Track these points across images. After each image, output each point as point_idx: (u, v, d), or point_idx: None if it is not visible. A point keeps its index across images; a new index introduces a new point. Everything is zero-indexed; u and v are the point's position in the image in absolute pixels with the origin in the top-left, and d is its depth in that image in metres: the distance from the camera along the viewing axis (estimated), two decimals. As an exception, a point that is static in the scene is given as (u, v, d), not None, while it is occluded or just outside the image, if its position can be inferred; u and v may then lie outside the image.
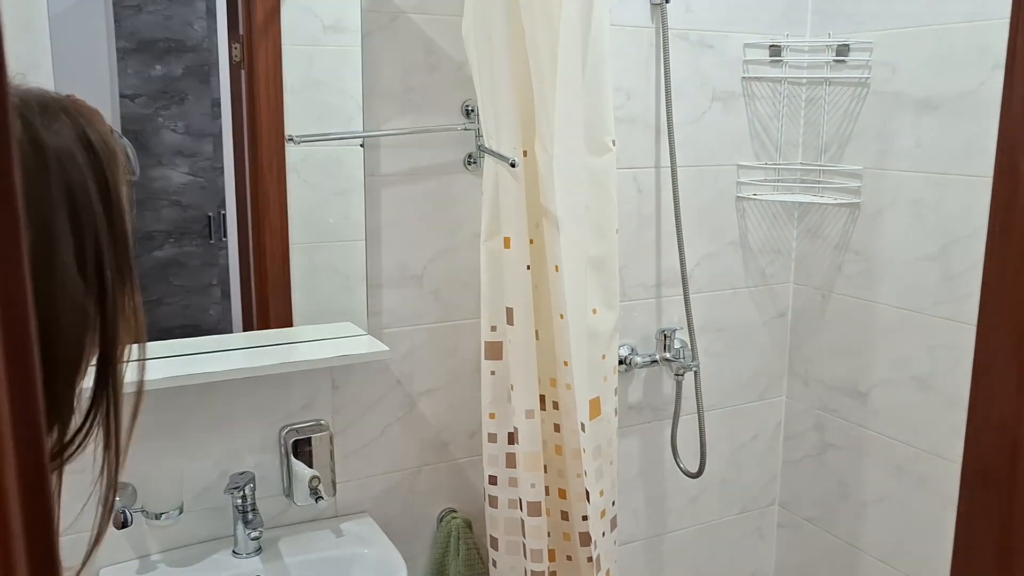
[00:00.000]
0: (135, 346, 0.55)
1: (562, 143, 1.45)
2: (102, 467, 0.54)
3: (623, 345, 1.93)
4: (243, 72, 1.56)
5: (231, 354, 1.56)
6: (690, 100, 1.92)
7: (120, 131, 1.45)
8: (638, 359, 1.93)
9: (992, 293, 0.64)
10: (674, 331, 1.96)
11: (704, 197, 1.98)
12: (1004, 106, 0.63)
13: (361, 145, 1.62)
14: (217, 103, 1.53)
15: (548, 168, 1.46)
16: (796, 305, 2.13)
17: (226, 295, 1.60)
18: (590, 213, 1.54)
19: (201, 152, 1.53)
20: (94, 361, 0.52)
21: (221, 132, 1.54)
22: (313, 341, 1.64)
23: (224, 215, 1.57)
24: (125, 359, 0.55)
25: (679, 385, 1.98)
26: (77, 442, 0.52)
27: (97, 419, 0.53)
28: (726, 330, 2.07)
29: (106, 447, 0.55)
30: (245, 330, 1.61)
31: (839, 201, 1.96)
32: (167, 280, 1.56)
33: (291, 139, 1.54)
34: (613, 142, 1.56)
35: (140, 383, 0.57)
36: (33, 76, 0.52)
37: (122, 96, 1.45)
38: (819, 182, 2.01)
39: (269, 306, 1.64)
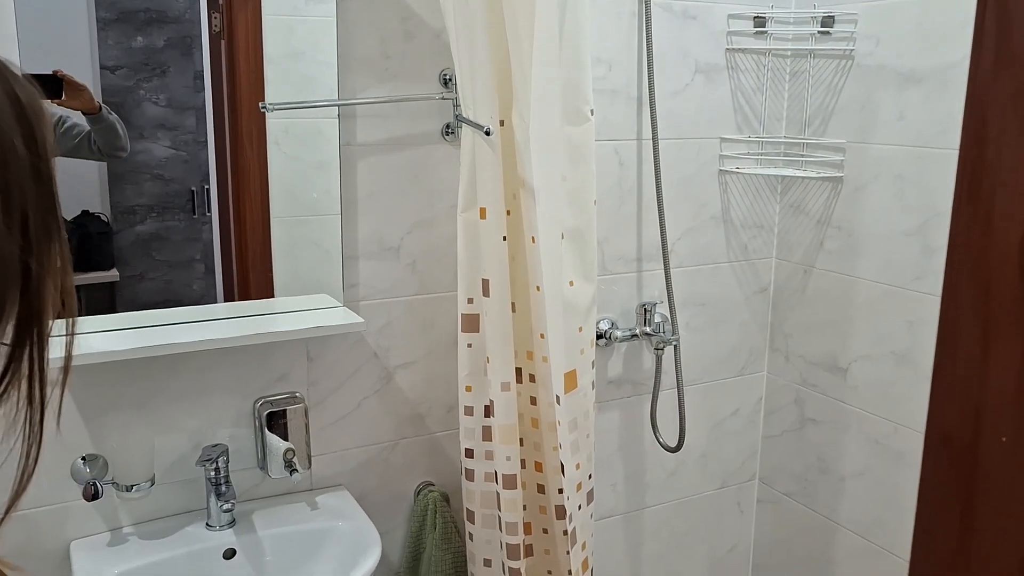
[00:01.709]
0: (62, 300, 0.54)
1: (539, 112, 1.43)
2: (24, 422, 0.54)
3: (603, 319, 1.92)
4: (223, 43, 1.53)
5: (203, 325, 1.54)
6: (673, 72, 1.90)
7: (104, 103, 1.43)
8: (618, 333, 1.92)
9: (958, 258, 0.63)
10: (654, 305, 1.94)
11: (686, 170, 1.96)
12: (971, 74, 0.62)
13: (338, 116, 1.59)
14: (200, 76, 1.51)
15: (525, 137, 1.44)
16: (778, 280, 2.12)
17: (210, 270, 1.59)
18: (567, 184, 1.52)
19: (184, 126, 1.51)
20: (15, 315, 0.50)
21: (204, 105, 1.51)
22: (288, 313, 1.62)
23: (208, 189, 1.55)
24: (51, 312, 0.53)
25: (659, 359, 1.97)
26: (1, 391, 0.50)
27: (20, 372, 0.52)
28: (707, 305, 2.06)
29: (29, 401, 0.54)
30: (227, 302, 1.60)
31: (822, 175, 1.95)
32: (149, 255, 1.54)
33: (264, 107, 1.51)
34: (592, 111, 1.53)
35: (70, 339, 0.56)
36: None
37: (103, 68, 1.43)
38: (802, 156, 1.99)
39: (250, 280, 1.62)
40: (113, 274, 1.51)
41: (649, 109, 1.84)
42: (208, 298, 1.59)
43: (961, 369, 0.62)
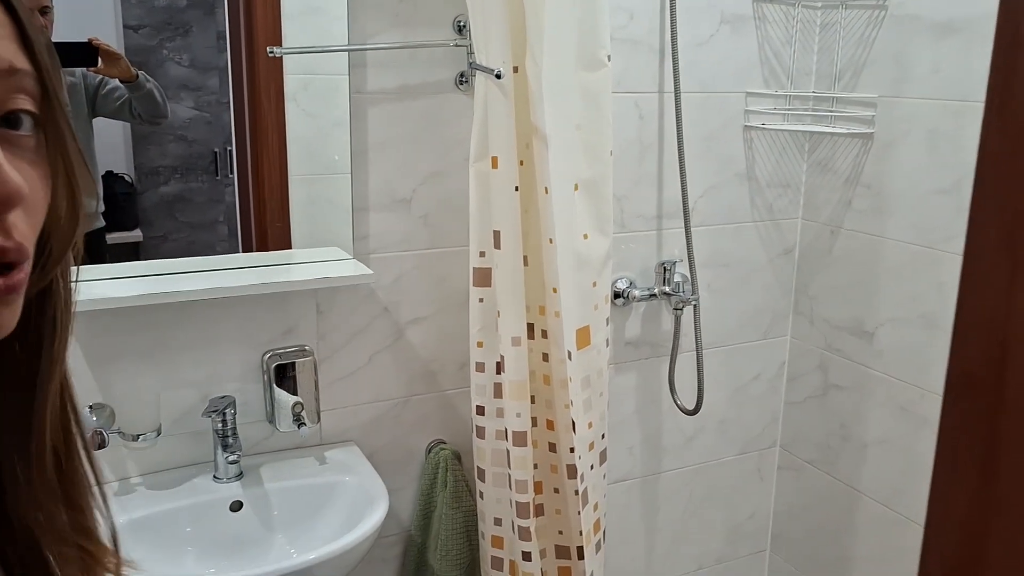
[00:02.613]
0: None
1: (553, 57, 1.38)
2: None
3: (621, 278, 1.87)
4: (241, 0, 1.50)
5: (212, 274, 1.52)
6: (697, 22, 1.82)
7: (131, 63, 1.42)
8: (636, 292, 1.87)
9: (986, 181, 0.58)
10: (674, 264, 1.89)
11: (710, 125, 1.90)
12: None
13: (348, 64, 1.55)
14: (222, 36, 1.49)
15: (538, 83, 1.38)
16: (803, 241, 2.05)
17: (232, 232, 1.58)
18: (582, 132, 1.47)
19: (207, 86, 1.50)
20: None
21: (227, 67, 1.49)
22: (295, 264, 1.59)
23: (231, 151, 1.54)
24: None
25: (678, 320, 1.92)
26: None
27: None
28: (730, 266, 2.01)
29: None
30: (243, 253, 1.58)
31: (852, 131, 1.87)
32: (173, 216, 1.53)
33: (272, 52, 1.48)
34: (608, 57, 1.48)
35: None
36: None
37: (126, 27, 1.42)
38: (831, 111, 1.92)
39: (268, 237, 1.60)
40: (137, 234, 1.51)
41: (672, 61, 1.78)
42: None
43: (987, 300, 0.56)
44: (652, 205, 1.88)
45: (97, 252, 1.48)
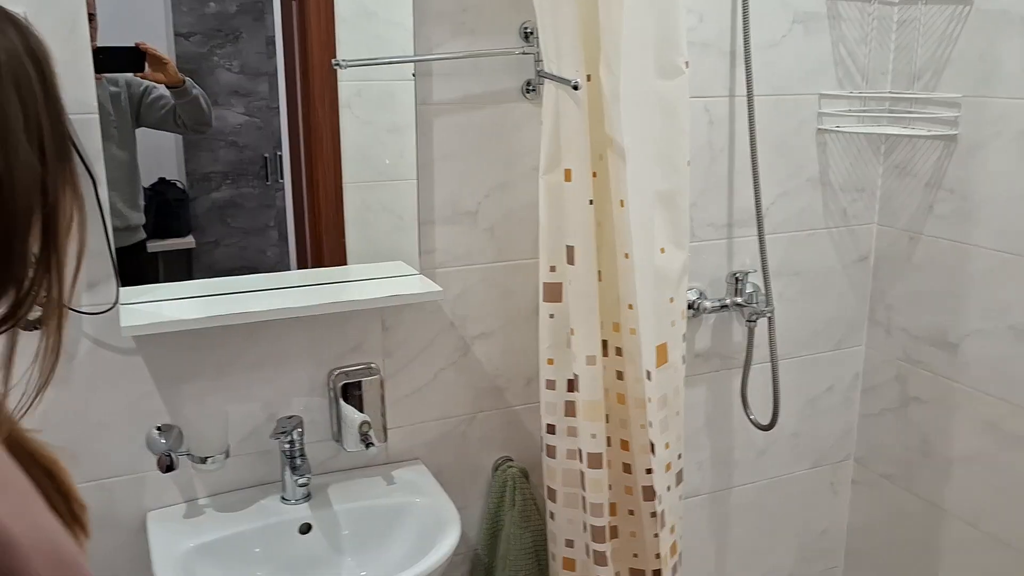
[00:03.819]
0: (76, 214, 0.63)
1: (629, 65, 1.32)
2: (47, 319, 0.61)
3: (691, 289, 1.81)
4: (294, 4, 1.48)
5: (278, 293, 1.49)
6: (769, 22, 1.76)
7: (180, 70, 1.41)
8: (707, 304, 1.81)
9: None
10: (747, 274, 1.82)
11: (782, 129, 1.83)
12: None
13: (413, 75, 1.51)
14: (272, 41, 1.48)
15: (614, 93, 1.33)
16: (879, 248, 1.97)
17: (283, 237, 1.56)
18: (659, 143, 1.41)
19: (256, 92, 1.49)
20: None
21: (276, 71, 1.48)
22: (363, 281, 1.56)
23: (280, 156, 1.53)
24: (68, 223, 0.61)
25: (751, 332, 1.85)
26: (34, 290, 0.59)
27: (43, 272, 0.60)
28: (802, 274, 1.93)
29: (48, 299, 0.61)
30: (300, 268, 1.57)
31: (933, 133, 1.79)
32: (224, 221, 1.52)
33: (338, 64, 1.44)
34: (686, 64, 1.42)
35: (80, 249, 0.64)
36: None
37: (177, 35, 1.42)
38: (910, 112, 1.83)
39: (323, 246, 1.58)
40: (189, 241, 1.50)
41: (744, 63, 1.71)
42: (282, 265, 1.56)
43: None
44: (722, 213, 1.81)
45: (137, 262, 1.47)
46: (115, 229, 1.40)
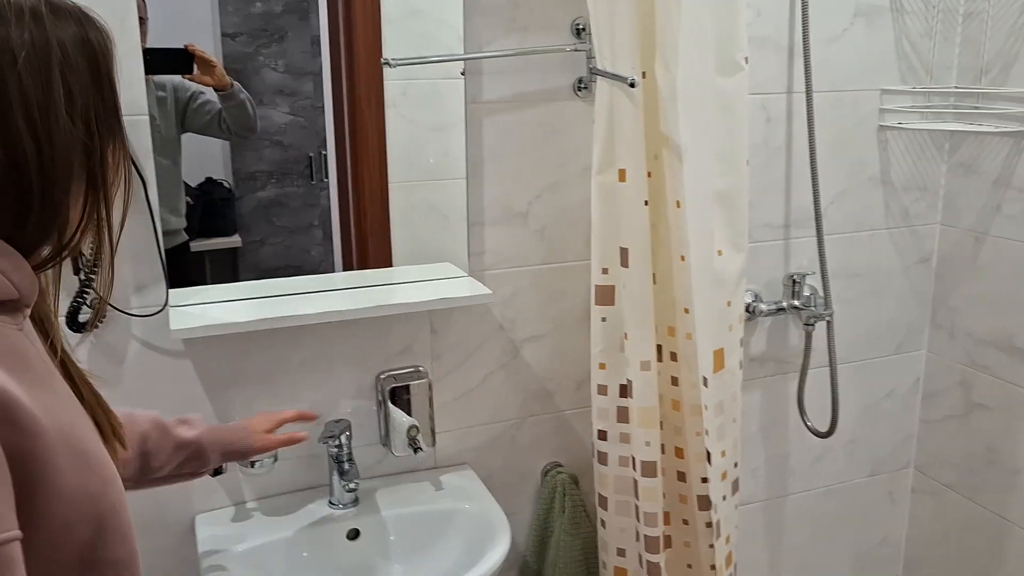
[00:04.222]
0: (123, 179, 0.76)
1: (687, 61, 1.28)
2: (97, 266, 0.75)
3: (746, 291, 1.75)
4: (340, 3, 1.46)
5: (325, 295, 1.47)
6: (829, 16, 1.70)
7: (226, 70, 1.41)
8: (762, 307, 1.75)
9: None
10: (804, 276, 1.77)
11: (841, 127, 1.77)
12: None
13: (462, 73, 1.49)
14: (317, 40, 1.48)
15: (670, 90, 1.29)
16: (943, 249, 1.90)
17: (327, 236, 1.56)
18: (717, 141, 1.36)
19: (301, 91, 1.48)
20: (86, 184, 0.70)
21: (321, 70, 1.48)
22: (411, 283, 1.54)
23: (325, 155, 1.52)
24: (113, 184, 0.73)
25: (809, 336, 1.79)
26: (76, 237, 0.70)
27: (88, 226, 0.71)
28: (861, 276, 1.87)
29: (98, 251, 0.74)
30: (345, 270, 1.56)
31: (1001, 130, 1.71)
32: (270, 221, 1.52)
33: (387, 62, 1.42)
34: (745, 59, 1.37)
35: (125, 205, 0.77)
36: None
37: (224, 35, 1.42)
38: (977, 108, 1.76)
39: (368, 246, 1.56)
40: (236, 240, 1.50)
41: (802, 59, 1.66)
42: (326, 264, 1.56)
43: None
44: (779, 213, 1.76)
45: (180, 264, 1.46)
46: None
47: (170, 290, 1.38)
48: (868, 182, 1.82)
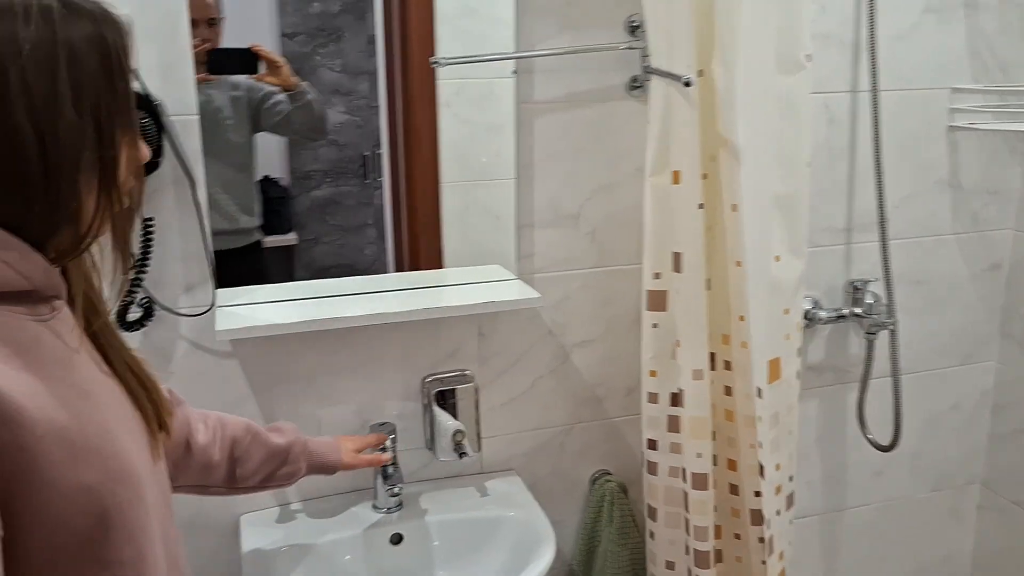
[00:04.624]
0: (136, 168, 0.76)
1: (747, 59, 1.23)
2: (114, 254, 0.75)
3: (805, 297, 1.69)
4: (395, 3, 1.45)
5: (374, 297, 1.46)
6: (897, 11, 1.62)
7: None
8: (822, 314, 1.69)
9: None
10: (866, 283, 1.70)
11: (908, 127, 1.69)
12: None
13: (514, 72, 1.46)
14: (373, 40, 1.48)
15: (728, 89, 1.24)
16: (1015, 255, 1.81)
17: (381, 235, 1.56)
18: (777, 142, 1.31)
19: (357, 91, 1.49)
20: (98, 175, 0.71)
21: (376, 70, 1.48)
22: (460, 285, 1.51)
23: (379, 154, 1.52)
24: (123, 174, 0.73)
25: (870, 345, 1.72)
26: (92, 230, 0.71)
27: (102, 218, 0.71)
28: (926, 283, 1.79)
29: (115, 244, 0.74)
30: (397, 271, 1.56)
31: (1081, 131, 1.62)
32: (324, 220, 1.53)
33: (435, 62, 1.40)
34: (808, 57, 1.31)
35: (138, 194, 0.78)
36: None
37: (282, 35, 1.43)
38: (1055, 108, 1.67)
39: (420, 247, 1.54)
40: (292, 238, 1.51)
41: (868, 56, 1.59)
42: (379, 264, 1.55)
43: None
44: (841, 217, 1.69)
45: (251, 263, 1.47)
46: (225, 232, 1.41)
47: (231, 288, 1.38)
48: (936, 185, 1.74)
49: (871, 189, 1.67)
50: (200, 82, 1.34)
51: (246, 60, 1.38)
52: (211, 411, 1.15)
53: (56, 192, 0.67)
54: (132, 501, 0.70)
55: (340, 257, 1.54)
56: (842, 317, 1.70)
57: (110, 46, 0.70)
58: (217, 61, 1.36)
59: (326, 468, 1.25)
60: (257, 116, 1.44)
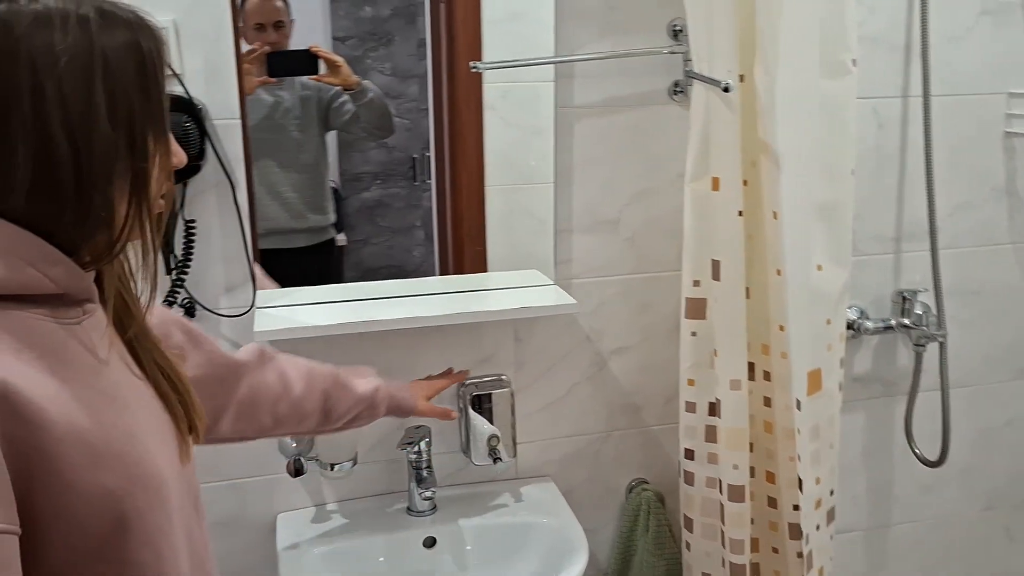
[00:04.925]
0: (169, 175, 0.77)
1: (789, 63, 1.20)
2: (144, 261, 0.74)
3: (851, 307, 1.65)
4: (442, 6, 1.46)
5: (411, 300, 1.46)
6: (951, 13, 1.58)
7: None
8: (868, 324, 1.65)
9: None
10: (916, 293, 1.65)
11: (962, 133, 1.64)
12: None
13: (553, 77, 1.45)
14: (423, 43, 1.50)
15: (769, 94, 1.22)
16: (1075, 267, 1.74)
17: (429, 237, 1.58)
18: (820, 149, 1.28)
19: (407, 94, 1.51)
20: (129, 183, 0.71)
21: (426, 73, 1.50)
22: (498, 290, 1.51)
23: (428, 156, 1.53)
24: (154, 182, 0.73)
25: (919, 357, 1.67)
26: (123, 236, 0.71)
27: (133, 224, 0.71)
28: (980, 294, 1.73)
29: (144, 252, 0.74)
30: (441, 274, 1.57)
31: None
32: (373, 221, 1.55)
33: (474, 67, 1.39)
34: (854, 61, 1.28)
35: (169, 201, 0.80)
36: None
37: (334, 39, 1.45)
38: (1119, 114, 1.61)
39: (464, 250, 1.55)
40: (342, 239, 1.54)
41: (920, 60, 1.55)
42: (427, 265, 1.57)
43: None
44: (890, 225, 1.65)
45: (321, 262, 1.51)
46: (293, 230, 1.45)
47: (295, 288, 1.42)
48: (991, 193, 1.68)
49: (922, 197, 1.63)
50: (260, 84, 1.37)
51: (305, 61, 1.41)
52: (300, 359, 1.20)
53: (88, 201, 0.68)
54: (153, 505, 0.70)
55: (389, 258, 1.56)
56: (890, 328, 1.66)
57: (145, 54, 0.70)
58: (277, 63, 1.38)
59: (403, 411, 1.30)
60: (327, 116, 1.46)
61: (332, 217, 1.51)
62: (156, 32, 0.72)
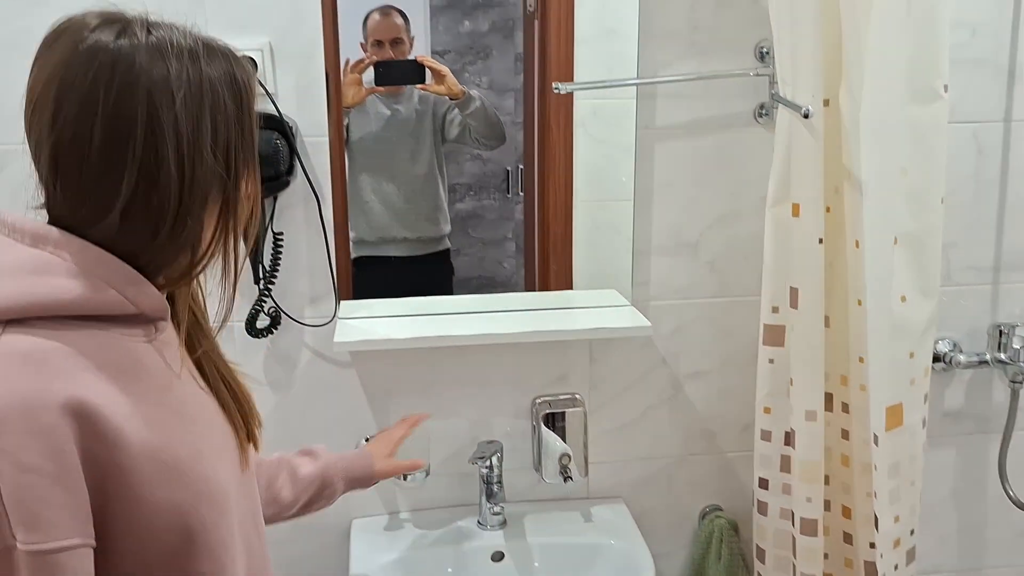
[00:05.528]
0: (253, 201, 0.80)
1: (875, 88, 1.17)
2: (223, 282, 0.77)
3: (943, 339, 1.59)
4: (536, 23, 1.48)
5: (489, 316, 1.49)
6: (1060, 36, 1.50)
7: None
8: (961, 357, 1.58)
9: None
10: (1014, 328, 1.57)
11: (1070, 159, 1.56)
12: None
13: (635, 97, 1.45)
14: (520, 58, 1.53)
15: (853, 119, 1.19)
16: None
17: (520, 249, 1.60)
18: (907, 177, 1.24)
19: (503, 107, 1.54)
20: (218, 210, 0.75)
21: (523, 87, 1.52)
22: (575, 308, 1.52)
23: (521, 169, 1.56)
24: (243, 210, 0.77)
25: (1015, 395, 1.59)
26: (205, 259, 0.75)
27: (216, 248, 0.75)
28: (1087, 330, 1.64)
29: (224, 272, 0.77)
30: (527, 288, 1.59)
31: None
32: (466, 232, 1.59)
33: (557, 88, 1.41)
34: (945, 87, 1.24)
35: (250, 228, 0.81)
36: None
37: (434, 53, 1.49)
38: None
39: (550, 266, 1.57)
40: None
41: (1024, 83, 1.48)
42: (517, 277, 1.60)
43: None
44: (988, 255, 1.58)
45: (434, 272, 1.55)
46: (405, 239, 1.51)
47: (399, 299, 1.48)
48: (1100, 223, 1.59)
49: (1023, 225, 1.55)
50: (369, 93, 1.42)
51: (412, 71, 1.45)
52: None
53: (182, 226, 0.70)
54: (217, 519, 0.73)
55: (480, 269, 1.59)
56: (984, 363, 1.58)
57: (240, 85, 0.73)
58: (385, 73, 1.43)
59: (361, 482, 1.22)
60: (442, 128, 1.50)
61: (446, 228, 1.54)
62: (247, 63, 0.76)
